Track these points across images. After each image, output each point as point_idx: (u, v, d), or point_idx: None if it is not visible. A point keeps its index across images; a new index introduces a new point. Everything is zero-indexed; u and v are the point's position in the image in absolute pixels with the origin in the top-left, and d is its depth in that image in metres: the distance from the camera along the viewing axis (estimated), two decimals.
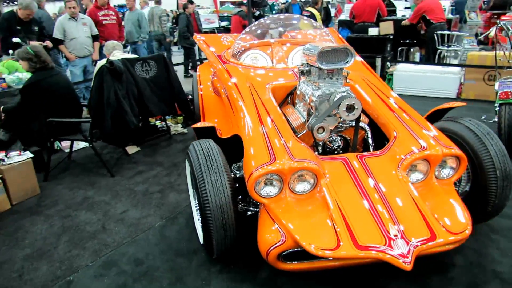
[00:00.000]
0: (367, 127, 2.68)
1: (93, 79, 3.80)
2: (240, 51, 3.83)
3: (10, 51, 4.72)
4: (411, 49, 7.58)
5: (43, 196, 3.42)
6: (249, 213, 2.38)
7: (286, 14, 5.63)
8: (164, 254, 2.54)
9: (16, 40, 4.64)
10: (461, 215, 2.01)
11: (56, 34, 5.33)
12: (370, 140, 2.67)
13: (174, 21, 11.93)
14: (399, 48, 7.53)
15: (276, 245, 1.97)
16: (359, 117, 2.51)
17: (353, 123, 2.66)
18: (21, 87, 3.54)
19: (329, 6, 11.09)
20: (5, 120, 3.68)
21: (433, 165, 2.19)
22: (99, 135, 3.72)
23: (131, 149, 4.33)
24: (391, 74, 6.47)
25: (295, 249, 1.97)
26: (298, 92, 2.87)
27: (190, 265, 2.43)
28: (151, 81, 4.26)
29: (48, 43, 5.16)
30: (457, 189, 2.48)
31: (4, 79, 4.22)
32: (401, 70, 6.38)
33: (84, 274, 2.39)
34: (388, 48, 6.74)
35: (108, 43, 4.50)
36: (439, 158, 2.17)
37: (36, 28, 5.14)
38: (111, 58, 4.06)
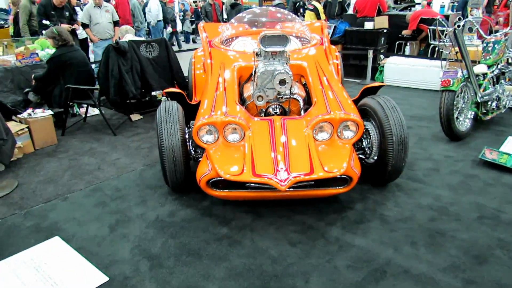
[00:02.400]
0: (300, 99, 3.35)
1: (101, 56, 4.67)
2: (230, 38, 4.56)
3: (43, 32, 5.70)
4: (408, 43, 7.98)
5: (59, 146, 4.35)
6: (200, 159, 3.15)
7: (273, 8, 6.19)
8: (138, 187, 3.37)
9: (45, 22, 5.62)
10: (342, 163, 2.65)
11: (83, 19, 6.30)
12: (301, 109, 3.34)
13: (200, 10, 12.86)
14: (397, 42, 7.97)
15: (205, 174, 2.72)
16: (291, 89, 3.18)
17: (295, 96, 3.35)
18: (47, 59, 4.47)
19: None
20: (35, 86, 4.63)
21: (335, 127, 2.85)
22: (105, 101, 4.60)
23: (135, 117, 5.21)
24: (383, 66, 6.96)
25: (216, 178, 2.71)
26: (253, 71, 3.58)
27: (154, 194, 3.23)
28: (154, 60, 5.10)
29: (76, 26, 6.13)
30: (367, 156, 3.13)
31: (37, 54, 5.18)
32: (391, 62, 6.87)
33: (77, 195, 3.26)
34: (382, 42, 7.23)
35: (122, 28, 5.40)
36: (338, 122, 2.82)
37: (67, 13, 6.11)
38: (123, 39, 4.93)
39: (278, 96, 3.32)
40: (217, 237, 2.64)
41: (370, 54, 6.82)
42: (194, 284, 2.21)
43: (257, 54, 3.45)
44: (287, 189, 2.58)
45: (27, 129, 4.10)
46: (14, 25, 7.00)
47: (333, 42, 7.56)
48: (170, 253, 2.48)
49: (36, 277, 2.28)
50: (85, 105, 4.96)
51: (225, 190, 2.76)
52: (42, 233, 2.73)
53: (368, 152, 3.18)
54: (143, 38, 5.70)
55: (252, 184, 2.66)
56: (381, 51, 7.19)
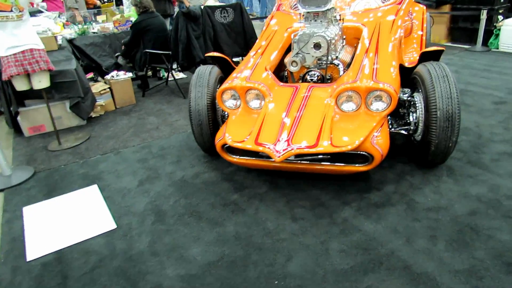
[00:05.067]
0: (340, 65, 3.02)
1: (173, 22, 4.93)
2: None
3: None
4: None
5: (136, 105, 4.85)
6: None
7: None
8: (180, 147, 3.56)
9: None
10: (358, 138, 2.34)
11: None
12: (341, 74, 3.01)
13: None
14: None
15: (220, 139, 2.72)
16: (328, 54, 2.89)
17: (334, 62, 3.05)
18: (131, 25, 4.94)
19: None
20: (124, 50, 5.18)
21: (363, 97, 2.51)
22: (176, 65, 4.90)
23: None
24: (499, 29, 5.74)
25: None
26: None
27: (190, 155, 3.38)
28: (228, 26, 5.17)
29: None
30: (410, 132, 2.71)
31: (132, 21, 5.74)
32: (509, 24, 5.60)
33: (128, 150, 3.62)
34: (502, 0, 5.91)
35: None
36: (365, 91, 2.47)
37: None
38: (205, 4, 5.12)
39: (319, 62, 3.06)
40: (225, 202, 2.65)
41: (484, 15, 5.66)
42: (181, 244, 2.29)
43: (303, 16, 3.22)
44: (302, 161, 2.43)
45: (109, 89, 4.66)
46: None
47: (440, 1, 6.52)
48: (175, 212, 2.60)
49: (63, 217, 2.66)
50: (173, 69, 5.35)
51: (239, 157, 2.73)
52: (87, 180, 3.13)
53: (412, 128, 2.74)
54: (220, 4, 5.78)
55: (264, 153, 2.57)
56: (500, 11, 5.89)
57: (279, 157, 2.26)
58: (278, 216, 2.45)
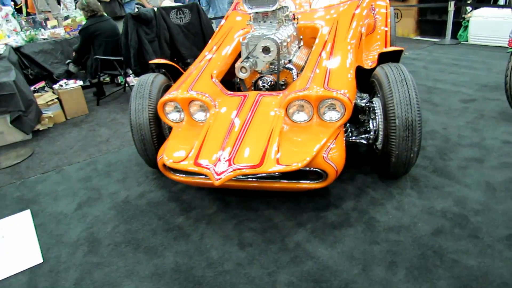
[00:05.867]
0: (294, 69, 2.77)
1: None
2: None
3: None
4: None
5: (88, 115, 4.51)
6: None
7: None
8: (128, 163, 3.25)
9: None
10: (301, 154, 2.05)
11: None
12: (294, 79, 2.76)
13: None
14: None
15: (161, 157, 2.44)
16: (279, 58, 2.63)
17: (287, 66, 2.80)
18: (79, 30, 4.59)
19: None
20: (74, 57, 4.83)
21: (314, 106, 2.26)
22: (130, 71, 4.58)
23: None
24: (468, 21, 5.60)
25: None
26: None
27: (139, 171, 3.07)
28: (185, 27, 4.86)
29: None
30: (371, 142, 2.48)
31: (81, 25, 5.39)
32: (479, 15, 5.47)
33: (72, 168, 3.29)
34: None
35: None
36: (315, 100, 2.22)
37: None
38: (162, 5, 4.80)
39: (271, 66, 2.81)
40: (168, 226, 2.38)
41: (452, 7, 5.51)
42: (112, 280, 2.00)
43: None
44: (251, 179, 2.17)
45: (57, 100, 4.31)
46: None
47: None
48: (112, 240, 2.30)
49: None
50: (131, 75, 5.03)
51: (185, 175, 2.45)
52: (21, 204, 2.80)
53: (372, 137, 2.51)
54: (175, 4, 5.47)
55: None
56: (468, 2, 5.76)
57: (218, 180, 1.99)
58: (225, 242, 2.19)
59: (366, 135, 2.53)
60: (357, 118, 2.65)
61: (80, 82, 4.53)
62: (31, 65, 4.97)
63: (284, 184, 2.22)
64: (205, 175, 2.12)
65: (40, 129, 4.13)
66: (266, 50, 2.57)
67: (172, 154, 2.28)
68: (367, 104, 2.54)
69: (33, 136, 4.03)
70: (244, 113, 2.36)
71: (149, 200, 2.68)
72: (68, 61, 4.89)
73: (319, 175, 2.18)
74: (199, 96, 2.44)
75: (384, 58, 2.67)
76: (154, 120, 2.68)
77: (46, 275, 2.09)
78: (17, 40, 4.81)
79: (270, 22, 2.76)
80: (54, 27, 5.70)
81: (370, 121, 2.54)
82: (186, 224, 2.38)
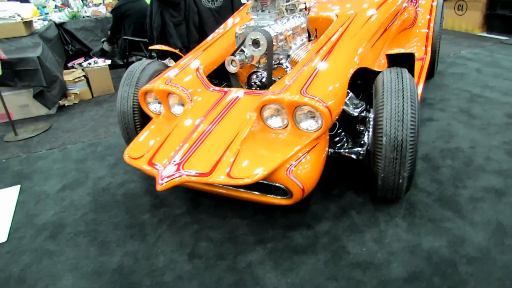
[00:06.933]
0: (289, 67, 2.48)
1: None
2: None
3: None
4: None
5: (113, 95, 4.59)
6: None
7: None
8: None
9: None
10: (257, 167, 1.81)
11: None
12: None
13: None
14: None
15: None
16: (268, 52, 2.36)
17: (281, 62, 2.53)
18: (111, 10, 4.63)
19: None
20: (109, 36, 4.92)
21: (289, 113, 1.98)
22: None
23: None
24: None
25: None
26: None
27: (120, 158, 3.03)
28: (216, 11, 4.68)
29: None
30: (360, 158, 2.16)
31: None
32: None
33: (76, 147, 3.34)
34: None
35: None
36: (290, 105, 1.94)
37: None
38: None
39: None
40: (131, 223, 2.28)
41: None
42: (55, 272, 1.95)
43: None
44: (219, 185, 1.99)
45: (84, 77, 4.44)
46: None
47: None
48: (75, 228, 2.26)
49: None
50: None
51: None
52: (15, 178, 2.90)
53: (362, 152, 2.17)
54: None
55: None
56: None
57: (160, 184, 1.82)
58: (177, 249, 2.04)
59: (357, 149, 2.20)
60: (354, 128, 2.32)
61: (108, 62, 4.60)
62: (72, 41, 5.18)
63: (251, 195, 2.00)
64: (151, 174, 1.97)
65: (66, 104, 4.29)
66: (255, 43, 2.32)
67: (134, 148, 2.17)
68: (361, 114, 2.20)
69: (57, 111, 4.19)
70: (215, 113, 2.16)
71: (127, 190, 2.62)
72: (103, 39, 5.00)
73: (284, 191, 1.93)
74: (174, 89, 2.28)
75: (395, 61, 2.28)
76: (138, 109, 2.58)
77: (2, 256, 2.11)
78: (60, 16, 5.01)
79: (269, 11, 2.49)
80: (97, 5, 5.86)
81: (366, 133, 2.20)
82: (149, 222, 2.27)
